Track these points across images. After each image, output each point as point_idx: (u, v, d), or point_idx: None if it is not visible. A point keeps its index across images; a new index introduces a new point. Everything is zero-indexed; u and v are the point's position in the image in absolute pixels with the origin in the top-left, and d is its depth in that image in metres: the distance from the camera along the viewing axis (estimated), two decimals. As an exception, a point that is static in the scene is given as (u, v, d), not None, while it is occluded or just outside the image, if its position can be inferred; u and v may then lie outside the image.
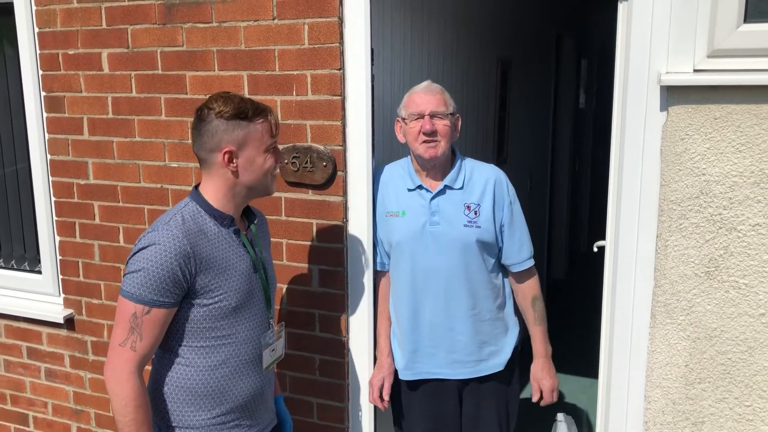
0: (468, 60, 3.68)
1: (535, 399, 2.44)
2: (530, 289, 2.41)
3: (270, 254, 2.15)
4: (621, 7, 2.14)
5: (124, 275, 1.81)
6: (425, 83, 2.34)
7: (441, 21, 3.27)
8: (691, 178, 2.07)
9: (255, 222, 2.05)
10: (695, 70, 2.03)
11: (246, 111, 1.85)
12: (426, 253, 2.30)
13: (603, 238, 2.37)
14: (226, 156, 1.85)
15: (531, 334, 2.44)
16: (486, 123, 4.07)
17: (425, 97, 2.26)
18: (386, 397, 2.44)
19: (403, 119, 2.31)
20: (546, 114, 5.80)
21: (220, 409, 1.91)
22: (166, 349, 1.90)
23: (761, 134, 1.97)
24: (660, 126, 2.08)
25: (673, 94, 2.05)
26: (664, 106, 2.07)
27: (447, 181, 2.31)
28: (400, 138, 2.36)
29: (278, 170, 1.97)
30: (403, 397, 2.47)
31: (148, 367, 1.91)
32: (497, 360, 2.39)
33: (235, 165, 1.87)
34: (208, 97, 1.91)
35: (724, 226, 2.06)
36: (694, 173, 2.06)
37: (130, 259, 1.82)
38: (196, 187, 1.95)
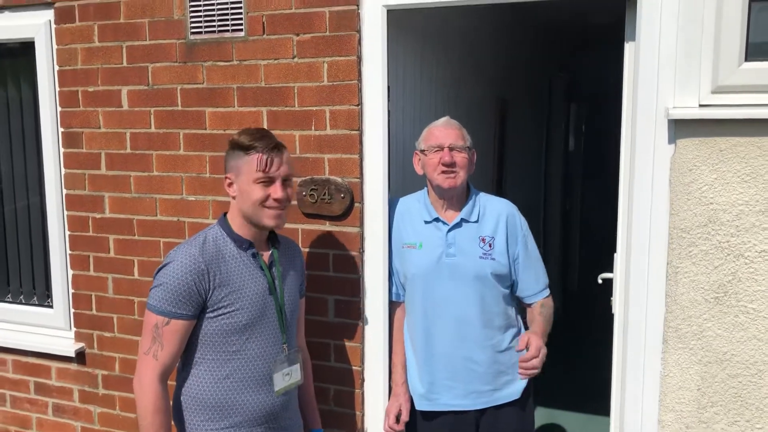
0: (471, 99, 3.81)
1: (521, 347, 2.24)
2: (541, 303, 2.47)
3: (297, 283, 2.22)
4: (627, 47, 2.27)
5: (150, 289, 1.98)
6: (444, 119, 2.43)
7: (448, 63, 3.40)
8: (699, 207, 2.17)
9: (278, 248, 2.15)
10: (701, 105, 2.14)
11: (242, 143, 2.00)
12: (441, 285, 2.35)
13: (594, 276, 2.52)
14: (227, 182, 2.05)
15: (533, 324, 2.43)
16: (486, 161, 4.18)
17: (445, 131, 2.36)
18: (403, 420, 2.43)
19: (422, 151, 2.39)
20: (539, 154, 5.95)
21: (227, 421, 2.01)
22: (184, 361, 2.04)
23: (765, 165, 2.08)
24: (668, 158, 2.19)
25: (681, 128, 2.16)
26: (672, 139, 2.18)
27: (463, 214, 2.38)
28: (418, 170, 2.44)
29: (276, 205, 2.01)
30: (421, 428, 2.48)
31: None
32: (513, 388, 2.42)
33: (234, 192, 2.03)
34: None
35: (732, 252, 2.15)
36: (702, 202, 2.16)
37: (155, 274, 1.98)
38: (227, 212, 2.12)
